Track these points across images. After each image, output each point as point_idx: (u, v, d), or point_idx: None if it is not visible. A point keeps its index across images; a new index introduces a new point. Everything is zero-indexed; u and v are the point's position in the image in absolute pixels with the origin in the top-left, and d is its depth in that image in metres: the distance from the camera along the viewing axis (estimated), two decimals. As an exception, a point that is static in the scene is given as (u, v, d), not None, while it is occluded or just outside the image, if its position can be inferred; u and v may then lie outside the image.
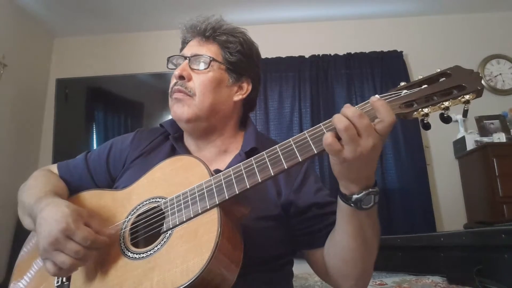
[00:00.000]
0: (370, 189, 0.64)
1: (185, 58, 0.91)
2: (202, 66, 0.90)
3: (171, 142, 0.95)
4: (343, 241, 0.73)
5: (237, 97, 0.95)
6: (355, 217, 0.68)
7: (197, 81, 0.89)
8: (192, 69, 0.90)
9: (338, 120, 0.59)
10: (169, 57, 0.97)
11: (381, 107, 0.60)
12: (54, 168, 0.99)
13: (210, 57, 0.90)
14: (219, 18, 0.94)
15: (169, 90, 0.92)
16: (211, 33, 0.92)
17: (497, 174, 2.70)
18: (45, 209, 0.72)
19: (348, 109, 0.60)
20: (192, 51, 0.92)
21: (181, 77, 0.89)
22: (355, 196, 0.64)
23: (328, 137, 0.59)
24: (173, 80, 0.91)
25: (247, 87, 0.96)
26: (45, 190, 0.83)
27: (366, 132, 0.59)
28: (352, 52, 3.37)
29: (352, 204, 0.65)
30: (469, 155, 3.02)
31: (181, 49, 0.98)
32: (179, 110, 0.89)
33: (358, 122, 0.59)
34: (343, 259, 0.75)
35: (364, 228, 0.69)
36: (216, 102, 0.90)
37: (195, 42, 0.94)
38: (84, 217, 0.71)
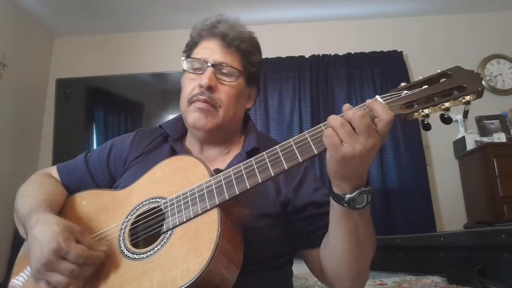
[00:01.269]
0: (363, 188, 0.64)
1: (211, 65, 0.87)
2: (228, 78, 0.88)
3: (170, 143, 0.95)
4: (337, 243, 0.72)
5: (248, 104, 0.97)
6: (349, 218, 0.68)
7: (224, 93, 0.87)
8: (218, 79, 0.88)
9: (333, 119, 0.61)
10: (187, 58, 0.92)
11: (377, 107, 0.61)
12: (54, 170, 0.99)
13: (237, 69, 0.89)
14: (239, 23, 0.92)
15: (188, 96, 0.88)
16: (238, 43, 0.90)
17: (497, 174, 2.70)
18: (35, 226, 0.71)
19: (349, 110, 0.61)
20: (216, 58, 0.88)
21: (208, 88, 0.86)
22: (348, 196, 0.64)
23: (328, 130, 0.60)
24: (194, 86, 0.88)
25: (254, 94, 0.98)
26: (38, 200, 0.81)
27: (368, 132, 0.59)
28: (352, 52, 3.37)
29: (345, 204, 0.65)
30: (469, 155, 3.02)
31: (191, 48, 0.94)
32: (202, 120, 0.87)
33: (359, 122, 0.59)
34: (337, 261, 0.74)
35: (357, 229, 0.69)
36: (235, 112, 0.91)
37: (216, 47, 0.90)
38: (75, 233, 0.69)
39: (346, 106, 0.63)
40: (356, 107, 0.64)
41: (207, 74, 0.86)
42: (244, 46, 0.91)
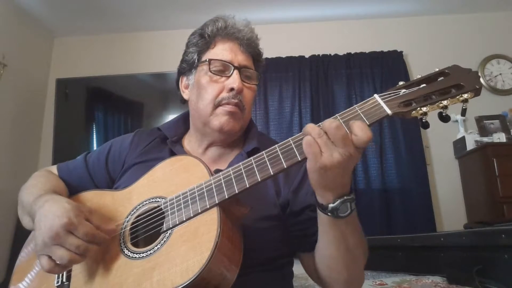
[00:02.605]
0: (345, 197, 0.64)
1: (236, 67, 0.88)
2: (251, 81, 0.91)
3: (169, 146, 0.94)
4: (326, 249, 0.73)
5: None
6: (335, 226, 0.68)
7: (247, 97, 0.90)
8: (244, 82, 0.89)
9: (311, 129, 0.61)
10: (211, 60, 0.88)
11: (356, 127, 0.60)
12: (54, 169, 0.99)
13: (258, 73, 0.92)
14: (252, 26, 0.94)
15: (215, 99, 0.87)
16: (257, 48, 0.93)
17: (497, 174, 2.70)
18: (44, 205, 0.72)
19: (326, 121, 0.61)
20: (240, 61, 0.89)
21: (240, 91, 0.87)
22: (330, 205, 0.64)
23: (309, 139, 0.60)
24: (220, 89, 0.87)
25: None
26: (44, 189, 0.83)
27: (343, 142, 0.59)
28: (352, 52, 3.37)
29: (329, 213, 0.65)
30: (469, 155, 3.02)
31: (205, 47, 0.92)
32: (231, 123, 0.87)
33: (334, 133, 0.59)
34: (328, 266, 0.75)
35: (345, 237, 0.69)
36: (250, 113, 0.94)
37: (237, 49, 0.90)
38: (84, 212, 0.71)
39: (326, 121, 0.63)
40: (341, 112, 0.64)
41: (237, 77, 0.87)
42: (258, 50, 0.94)
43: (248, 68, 0.90)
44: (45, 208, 0.71)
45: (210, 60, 0.89)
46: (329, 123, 0.60)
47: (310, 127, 0.62)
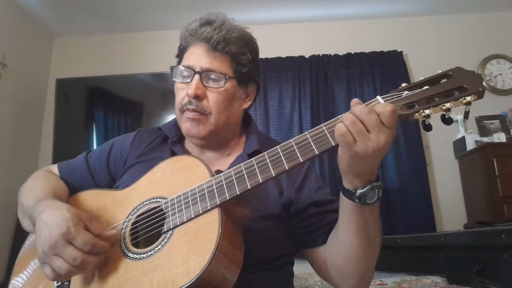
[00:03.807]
0: (374, 183, 0.64)
1: (197, 72, 0.86)
2: (216, 84, 0.86)
3: (170, 146, 0.94)
4: (347, 239, 0.72)
5: (246, 104, 0.95)
6: (359, 214, 0.67)
7: (212, 100, 0.86)
8: (205, 86, 0.86)
9: (346, 117, 0.60)
10: (173, 67, 0.91)
11: (376, 106, 0.61)
12: (55, 168, 0.99)
13: (225, 75, 0.86)
14: (227, 23, 0.89)
15: (179, 105, 0.88)
16: (223, 46, 0.86)
17: (497, 174, 2.70)
18: (45, 211, 0.71)
19: (356, 107, 0.61)
20: (202, 64, 0.86)
21: (195, 97, 0.85)
22: (359, 191, 0.64)
23: (342, 128, 0.60)
24: (183, 96, 0.87)
25: (253, 92, 0.96)
26: (44, 192, 0.82)
27: (377, 128, 0.59)
28: (352, 52, 3.37)
29: (356, 200, 0.65)
30: (469, 155, 3.02)
31: (181, 53, 0.93)
32: (194, 129, 0.86)
33: (367, 118, 0.59)
34: (346, 257, 0.74)
35: (367, 225, 0.69)
36: (229, 116, 0.90)
37: (202, 52, 0.87)
38: (84, 220, 0.70)
39: (355, 101, 0.62)
40: (366, 102, 0.64)
41: (193, 83, 0.85)
42: (230, 48, 0.87)
43: (212, 71, 0.86)
44: (45, 215, 0.70)
45: (171, 67, 0.91)
46: (360, 110, 0.59)
47: (344, 115, 0.61)
